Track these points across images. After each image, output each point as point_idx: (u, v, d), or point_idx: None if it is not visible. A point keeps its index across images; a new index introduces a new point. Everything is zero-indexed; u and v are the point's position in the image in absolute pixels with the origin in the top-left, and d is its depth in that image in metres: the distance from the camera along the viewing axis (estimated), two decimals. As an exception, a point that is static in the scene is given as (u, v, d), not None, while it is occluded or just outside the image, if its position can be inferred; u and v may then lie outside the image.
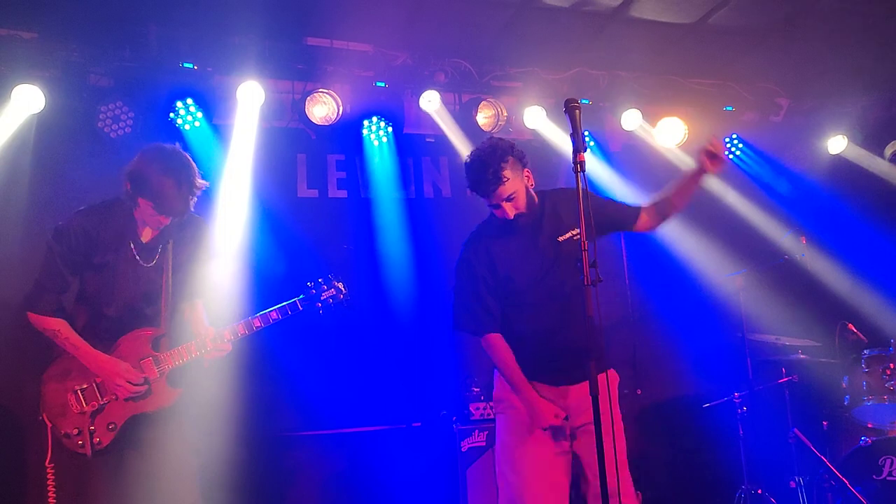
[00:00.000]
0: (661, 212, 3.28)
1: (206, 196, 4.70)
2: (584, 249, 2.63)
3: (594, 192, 3.15)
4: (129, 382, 3.20)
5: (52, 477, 3.18)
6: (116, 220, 3.28)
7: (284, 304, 3.42)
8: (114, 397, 3.22)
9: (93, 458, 3.18)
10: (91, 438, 3.17)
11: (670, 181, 3.25)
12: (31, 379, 3.35)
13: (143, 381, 3.24)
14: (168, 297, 3.31)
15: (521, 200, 3.11)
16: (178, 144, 3.44)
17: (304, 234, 4.99)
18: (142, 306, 3.31)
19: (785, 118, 6.09)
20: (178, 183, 3.16)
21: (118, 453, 3.22)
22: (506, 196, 3.06)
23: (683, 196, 3.22)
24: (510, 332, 3.15)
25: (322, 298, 3.46)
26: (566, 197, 3.22)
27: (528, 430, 3.07)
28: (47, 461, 3.17)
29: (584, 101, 5.71)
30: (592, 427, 2.82)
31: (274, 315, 3.40)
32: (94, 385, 3.23)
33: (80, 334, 3.25)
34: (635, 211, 3.30)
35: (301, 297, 3.44)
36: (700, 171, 3.12)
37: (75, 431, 3.18)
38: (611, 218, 3.24)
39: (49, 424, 3.18)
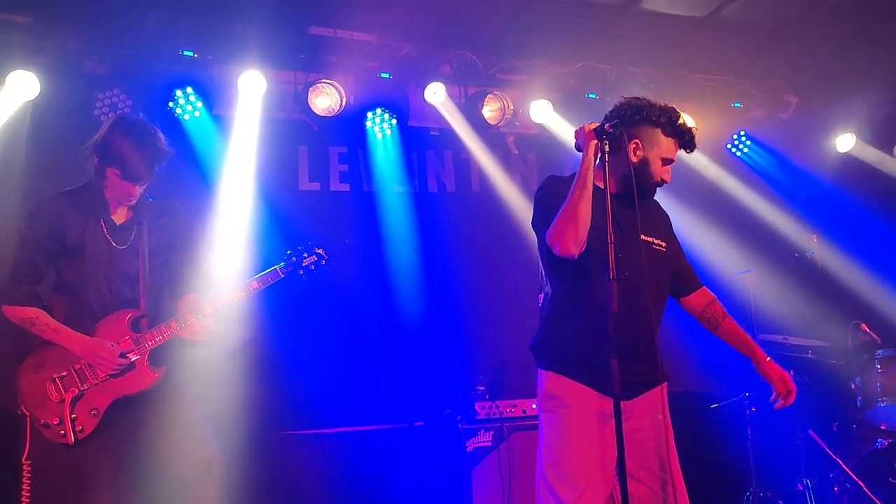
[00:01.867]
0: (707, 315, 3.17)
1: (207, 189, 4.67)
2: (611, 243, 2.56)
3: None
4: (112, 357, 3.14)
5: (28, 474, 3.12)
6: (88, 201, 3.28)
7: (264, 272, 3.38)
8: (94, 383, 3.16)
9: (77, 447, 3.11)
10: (73, 426, 3.11)
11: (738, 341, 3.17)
12: (10, 373, 3.26)
13: (126, 356, 3.18)
14: (145, 279, 3.28)
15: None
16: (141, 115, 3.43)
17: (307, 227, 4.86)
18: (123, 289, 3.27)
19: (793, 115, 6.01)
20: (141, 146, 3.19)
21: (106, 439, 3.16)
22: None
23: (730, 342, 3.18)
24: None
25: (304, 265, 3.43)
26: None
27: (583, 433, 2.78)
28: (24, 457, 3.12)
29: (590, 96, 5.63)
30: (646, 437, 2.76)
31: (255, 284, 3.36)
32: (73, 372, 3.17)
33: (62, 323, 3.20)
34: (696, 284, 3.15)
35: (281, 264, 3.41)
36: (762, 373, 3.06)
37: (56, 421, 3.12)
38: (677, 273, 3.07)
39: (28, 415, 3.13)
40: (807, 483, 4.70)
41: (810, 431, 4.58)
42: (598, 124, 2.78)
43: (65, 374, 3.17)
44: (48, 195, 3.32)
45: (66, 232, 3.22)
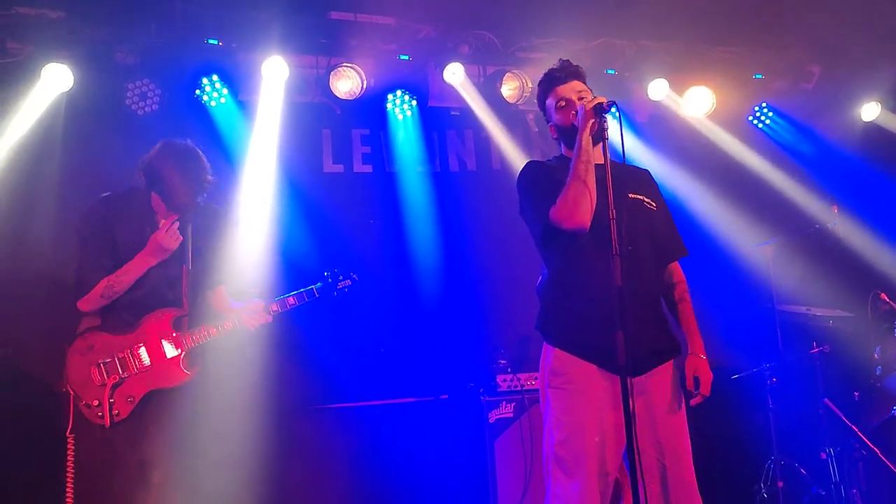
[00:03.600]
0: (671, 295, 3.06)
1: (233, 174, 4.82)
2: (613, 219, 2.59)
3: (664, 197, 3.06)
4: (172, 234, 3.34)
5: (73, 447, 3.35)
6: (137, 206, 3.45)
7: (302, 290, 3.65)
8: (134, 372, 3.35)
9: (112, 429, 3.31)
10: (110, 410, 3.30)
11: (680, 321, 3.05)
12: (57, 355, 3.47)
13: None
14: (188, 282, 3.44)
15: None
16: (189, 141, 3.54)
17: (331, 209, 5.01)
18: (165, 290, 3.44)
19: (817, 85, 5.93)
20: (185, 179, 3.35)
21: (140, 426, 3.35)
22: None
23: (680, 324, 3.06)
24: None
25: (338, 287, 3.72)
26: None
27: (591, 410, 2.77)
28: (68, 431, 3.34)
29: (609, 72, 5.64)
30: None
31: (291, 301, 3.63)
32: (116, 360, 3.36)
33: (107, 316, 3.40)
34: (676, 254, 3.07)
35: (319, 284, 3.69)
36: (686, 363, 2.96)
37: (96, 402, 3.32)
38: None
39: (72, 394, 3.33)
40: (830, 452, 4.71)
41: (826, 400, 4.60)
42: (596, 102, 2.77)
43: (109, 360, 3.35)
44: (100, 196, 3.48)
45: (116, 232, 3.40)
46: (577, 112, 2.82)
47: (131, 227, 3.42)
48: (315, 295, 3.62)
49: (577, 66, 3.03)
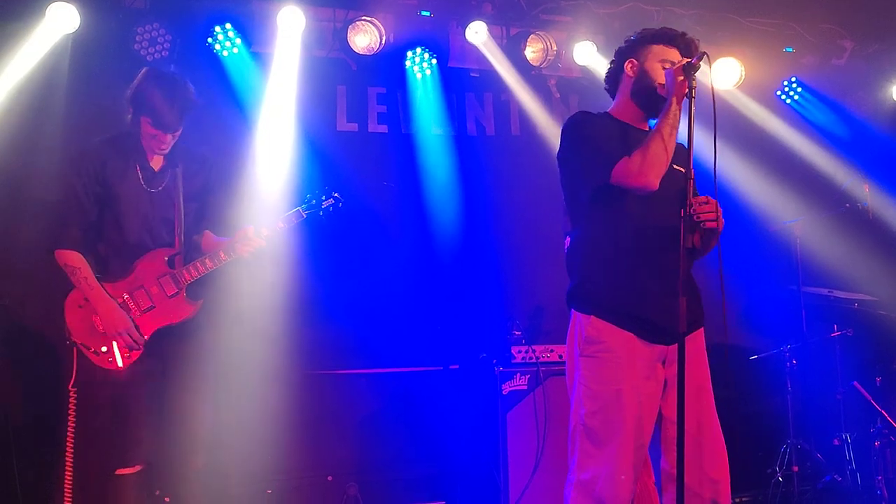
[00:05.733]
0: None
1: (246, 126, 4.65)
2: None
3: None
4: (129, 336, 3.28)
5: (74, 400, 3.30)
6: (127, 148, 3.43)
7: (288, 213, 3.56)
8: (137, 314, 3.32)
9: (125, 371, 3.28)
10: (120, 352, 3.28)
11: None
12: (58, 309, 3.39)
13: (139, 342, 3.33)
14: (180, 221, 3.43)
15: None
16: (173, 67, 3.62)
17: (346, 168, 4.85)
18: (160, 231, 3.41)
19: (848, 61, 5.76)
20: (171, 96, 3.31)
21: (147, 366, 3.33)
22: None
23: None
24: None
25: (323, 207, 3.62)
26: None
27: (628, 381, 2.72)
28: (70, 384, 3.29)
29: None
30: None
31: (280, 224, 3.54)
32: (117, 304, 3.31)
33: (104, 263, 3.37)
34: None
35: (303, 206, 3.59)
36: None
37: (104, 349, 3.27)
38: None
39: (77, 345, 3.29)
40: (846, 437, 4.64)
41: (855, 383, 4.48)
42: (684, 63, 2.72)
43: None
44: (90, 141, 3.47)
45: (108, 176, 3.37)
46: (669, 72, 2.76)
47: (118, 165, 3.40)
48: (302, 216, 3.56)
49: (695, 42, 2.94)
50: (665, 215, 2.75)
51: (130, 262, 3.37)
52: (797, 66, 5.76)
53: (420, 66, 5.06)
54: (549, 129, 5.29)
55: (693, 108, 2.66)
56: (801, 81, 5.76)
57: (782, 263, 5.04)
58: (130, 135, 3.43)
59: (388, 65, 5.02)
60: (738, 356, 5.08)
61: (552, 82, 5.46)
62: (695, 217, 2.65)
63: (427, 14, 5.01)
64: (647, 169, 2.69)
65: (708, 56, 2.66)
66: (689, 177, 2.81)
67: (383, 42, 4.85)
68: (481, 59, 5.18)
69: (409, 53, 5.01)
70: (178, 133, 3.41)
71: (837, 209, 4.79)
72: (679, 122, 2.74)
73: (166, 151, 3.44)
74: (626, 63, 2.98)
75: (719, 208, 2.72)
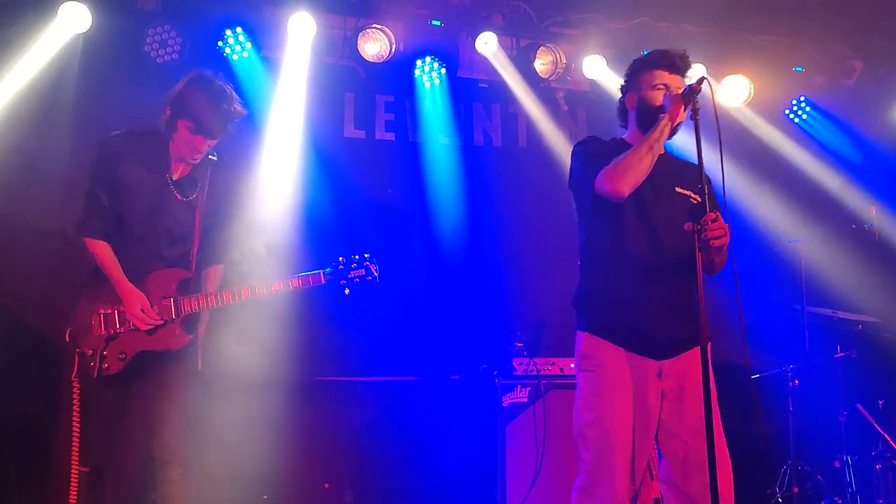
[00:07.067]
0: None
1: (254, 130, 4.65)
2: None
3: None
4: (148, 316, 3.21)
5: (77, 390, 3.24)
6: (151, 148, 3.30)
7: (307, 273, 3.31)
8: (131, 328, 3.23)
9: (98, 381, 3.22)
10: (100, 363, 3.21)
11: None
12: (62, 301, 3.41)
13: (161, 319, 3.24)
14: (195, 239, 3.32)
15: None
16: (221, 74, 3.38)
17: (353, 175, 4.86)
18: (172, 237, 3.30)
19: (858, 82, 5.76)
20: (216, 102, 3.20)
21: (127, 383, 3.27)
22: None
23: None
24: None
25: (349, 277, 3.29)
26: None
27: (620, 392, 2.82)
28: (73, 374, 3.24)
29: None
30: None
31: (295, 283, 3.30)
32: (116, 312, 3.25)
33: (122, 262, 3.27)
34: None
35: (328, 269, 3.32)
36: None
37: (90, 352, 3.22)
38: None
39: (72, 334, 3.25)
40: (846, 460, 4.60)
41: (858, 405, 4.45)
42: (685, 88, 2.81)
43: (110, 312, 3.25)
44: (112, 133, 3.34)
45: (123, 171, 3.25)
46: (667, 95, 2.87)
47: (138, 167, 3.27)
48: (321, 281, 3.29)
49: (690, 63, 3.03)
50: (663, 233, 2.87)
51: (145, 271, 3.27)
52: (806, 85, 5.75)
53: (429, 76, 5.08)
54: (557, 142, 5.30)
55: (699, 129, 2.71)
56: (810, 101, 5.75)
57: (787, 282, 5.02)
58: (159, 136, 3.31)
59: (397, 73, 5.03)
60: (739, 375, 5.04)
61: (560, 95, 5.48)
62: (702, 235, 2.66)
63: (437, 24, 5.03)
64: (617, 176, 2.78)
65: (709, 80, 2.73)
66: (694, 197, 2.93)
67: (393, 50, 4.87)
68: (490, 69, 5.19)
69: (419, 62, 5.02)
70: (213, 143, 3.28)
71: (844, 229, 4.77)
72: (665, 138, 2.84)
73: (197, 161, 3.31)
74: (626, 99, 3.10)
75: (726, 225, 2.73)
